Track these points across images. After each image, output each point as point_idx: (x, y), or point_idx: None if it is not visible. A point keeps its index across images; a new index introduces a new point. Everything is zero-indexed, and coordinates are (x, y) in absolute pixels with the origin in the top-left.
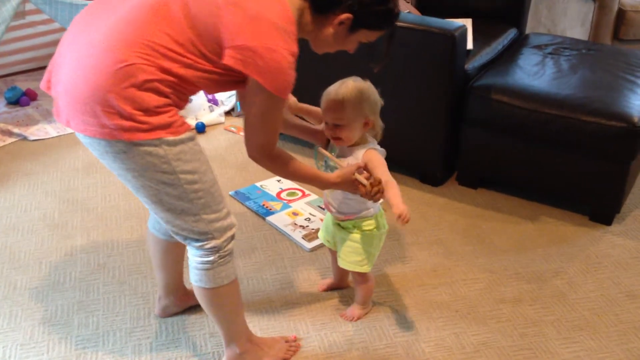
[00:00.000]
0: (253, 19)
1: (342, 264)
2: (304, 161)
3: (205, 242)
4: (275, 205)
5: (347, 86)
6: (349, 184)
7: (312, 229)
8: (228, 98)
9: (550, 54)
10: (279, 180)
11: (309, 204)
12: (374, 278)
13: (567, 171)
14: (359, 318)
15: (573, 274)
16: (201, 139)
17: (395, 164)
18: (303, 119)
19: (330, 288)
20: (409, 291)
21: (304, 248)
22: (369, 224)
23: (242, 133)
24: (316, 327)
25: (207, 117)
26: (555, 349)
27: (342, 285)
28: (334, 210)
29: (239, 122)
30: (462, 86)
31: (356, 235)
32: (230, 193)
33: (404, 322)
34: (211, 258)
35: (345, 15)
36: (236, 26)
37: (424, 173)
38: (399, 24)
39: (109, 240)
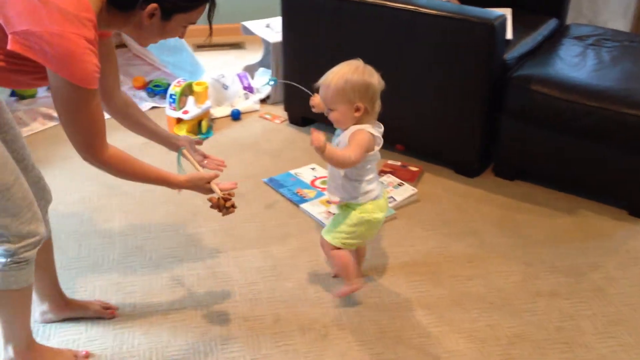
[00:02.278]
0: (38, 4)
1: (324, 231)
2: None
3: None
4: (309, 192)
5: (337, 71)
6: (198, 188)
7: None
8: (263, 86)
9: (591, 45)
10: (313, 168)
11: None
12: (348, 257)
13: (606, 164)
14: (345, 294)
15: (611, 268)
16: (236, 126)
17: (430, 155)
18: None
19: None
20: (443, 282)
21: None
22: (356, 206)
23: (277, 120)
24: (348, 315)
25: (242, 105)
26: (591, 344)
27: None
28: (330, 194)
29: (274, 109)
30: (500, 76)
31: (345, 212)
32: (264, 180)
33: (438, 313)
34: (3, 260)
35: (151, 7)
36: (19, 11)
37: (459, 164)
38: (438, 13)
39: (146, 223)
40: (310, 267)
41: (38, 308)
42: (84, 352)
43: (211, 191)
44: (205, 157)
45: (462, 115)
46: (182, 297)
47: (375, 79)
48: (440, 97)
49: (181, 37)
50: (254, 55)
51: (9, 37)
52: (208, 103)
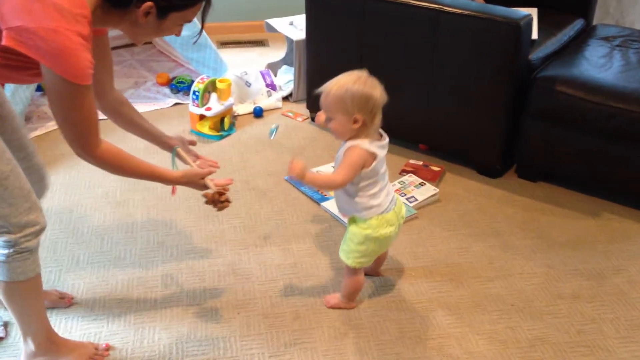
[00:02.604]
0: (33, 1)
1: (340, 249)
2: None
3: (0, 235)
4: (330, 191)
5: (338, 80)
6: (193, 184)
7: None
8: (286, 84)
9: (618, 46)
10: (334, 167)
11: None
12: (362, 283)
13: (631, 166)
14: (333, 306)
15: (634, 272)
16: (258, 124)
17: (452, 154)
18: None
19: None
20: (463, 282)
21: None
22: (361, 222)
23: (299, 118)
24: (368, 314)
25: (265, 102)
26: (613, 348)
27: (373, 273)
28: (337, 207)
29: (296, 107)
30: (525, 77)
31: (350, 227)
32: (285, 178)
33: (458, 314)
34: (6, 251)
35: (147, 5)
36: (13, 7)
37: (482, 164)
38: (463, 12)
39: (168, 219)
40: (330, 266)
41: None
42: (104, 345)
43: (206, 187)
44: (198, 157)
45: (485, 115)
46: (203, 293)
47: (377, 91)
48: (463, 96)
49: (177, 34)
50: (277, 53)
51: (3, 33)
52: (231, 100)
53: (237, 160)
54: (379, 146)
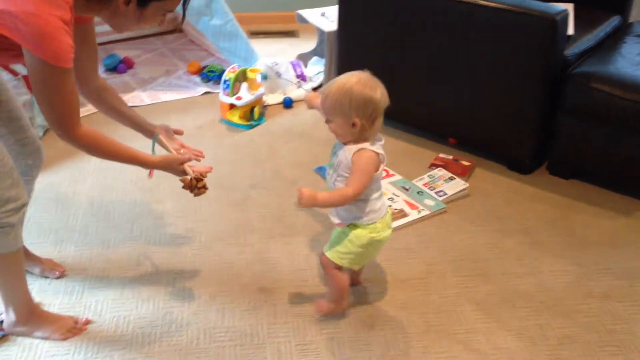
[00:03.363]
0: None
1: (326, 248)
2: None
3: None
4: None
5: (338, 81)
6: (172, 169)
7: (395, 209)
8: (316, 75)
9: None
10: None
11: (392, 184)
12: (347, 282)
13: None
14: (325, 311)
15: None
16: (288, 114)
17: (482, 149)
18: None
19: None
20: (491, 278)
21: None
22: (364, 227)
23: None
24: (396, 307)
25: (294, 93)
26: None
27: (353, 283)
28: (331, 215)
29: None
30: (560, 73)
31: (352, 231)
32: (314, 169)
33: (486, 309)
34: None
35: None
36: None
37: (513, 160)
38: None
39: (197, 206)
40: None
41: None
42: (84, 319)
43: (184, 173)
44: (182, 146)
45: (518, 110)
46: (231, 281)
47: (377, 93)
48: (496, 91)
49: (160, 24)
50: (308, 44)
51: None
52: (261, 90)
53: (266, 150)
54: (380, 146)
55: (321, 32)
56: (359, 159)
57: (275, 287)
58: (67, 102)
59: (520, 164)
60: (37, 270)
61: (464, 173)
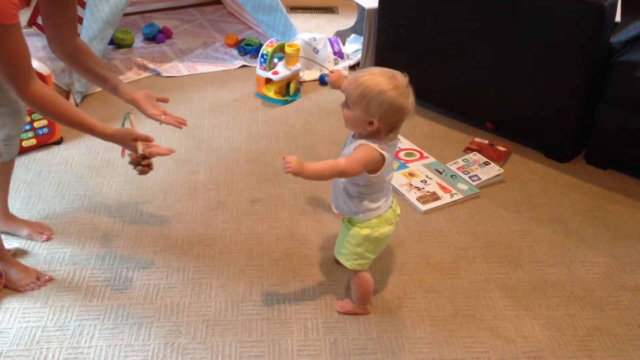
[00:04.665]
0: None
1: (335, 251)
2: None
3: None
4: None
5: (376, 75)
6: (124, 144)
7: (428, 192)
8: (353, 52)
9: None
10: (397, 140)
11: (426, 166)
12: (371, 283)
13: None
14: (346, 311)
15: None
16: (323, 91)
17: (520, 135)
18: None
19: None
20: (523, 266)
21: (417, 209)
22: (359, 223)
23: None
24: (424, 290)
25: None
26: None
27: None
28: (332, 205)
29: None
30: (604, 60)
31: (347, 229)
32: None
33: (515, 297)
34: None
35: None
36: None
37: (550, 148)
38: None
39: (230, 180)
40: None
41: None
42: (47, 277)
43: (136, 149)
44: (165, 113)
45: (559, 97)
46: (260, 255)
47: (409, 103)
48: (538, 77)
49: None
50: (346, 21)
51: None
52: (298, 66)
53: (300, 126)
54: (389, 145)
55: (361, 9)
56: (361, 148)
57: (304, 263)
58: (14, 59)
59: (558, 152)
60: (24, 233)
61: (499, 158)
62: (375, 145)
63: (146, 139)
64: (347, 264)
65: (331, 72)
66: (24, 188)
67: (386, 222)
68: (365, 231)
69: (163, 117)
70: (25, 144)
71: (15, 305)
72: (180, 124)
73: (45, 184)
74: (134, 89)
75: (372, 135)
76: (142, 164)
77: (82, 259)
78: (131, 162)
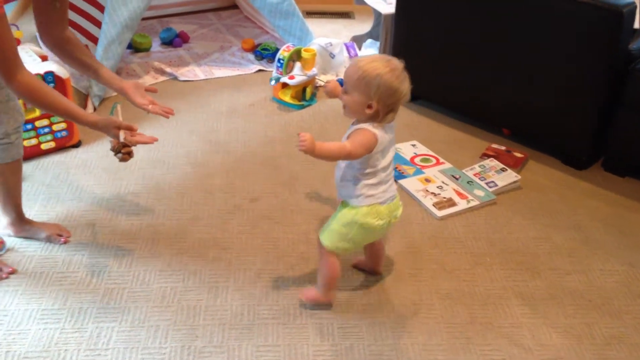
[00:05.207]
0: None
1: (321, 230)
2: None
3: None
4: (408, 169)
5: (374, 60)
6: (107, 131)
7: (444, 198)
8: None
9: None
10: (413, 145)
11: (442, 172)
12: (338, 270)
13: None
14: (311, 299)
15: None
16: None
17: (537, 142)
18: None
19: (360, 267)
20: (540, 273)
21: (433, 215)
22: (353, 207)
23: None
24: (440, 296)
25: None
26: None
27: (371, 271)
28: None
29: None
30: (623, 67)
31: (340, 209)
32: None
33: (532, 304)
34: None
35: None
36: None
37: (567, 154)
38: None
39: (246, 184)
40: (404, 243)
41: (1, 220)
42: (10, 269)
43: (118, 137)
44: (152, 103)
45: (577, 104)
46: (276, 259)
47: (404, 86)
48: (556, 83)
49: None
50: (362, 26)
51: None
52: (314, 70)
53: (316, 130)
54: (387, 127)
55: (378, 15)
56: (360, 131)
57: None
58: (1, 49)
59: (575, 159)
60: (42, 236)
61: (516, 165)
62: (370, 126)
63: (129, 128)
64: (327, 242)
65: (327, 82)
66: (43, 190)
67: (377, 214)
68: (355, 215)
69: (150, 106)
70: (44, 146)
71: (34, 307)
72: (167, 113)
73: (63, 187)
74: (123, 79)
75: (371, 119)
76: (123, 151)
77: (100, 261)
78: (112, 149)
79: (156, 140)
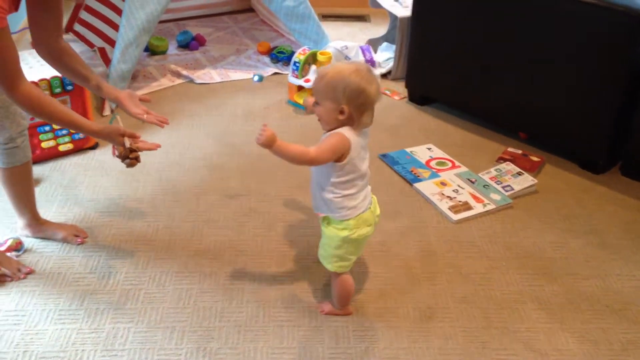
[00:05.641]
0: None
1: (318, 253)
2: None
3: None
4: (424, 172)
5: (336, 66)
6: (111, 139)
7: (459, 201)
8: (385, 61)
9: None
10: (429, 148)
11: (458, 175)
12: (351, 285)
13: None
14: (327, 313)
15: None
16: None
17: (553, 146)
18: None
19: None
20: (557, 278)
21: (449, 219)
22: (336, 224)
23: (396, 97)
24: (456, 300)
25: None
26: None
27: None
28: (313, 206)
29: (394, 85)
30: None
31: (326, 230)
32: (379, 155)
33: (549, 309)
34: None
35: None
36: None
37: (584, 159)
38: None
39: (262, 186)
40: (419, 247)
41: (18, 221)
42: (27, 269)
43: (123, 144)
44: (147, 112)
45: (594, 108)
46: (292, 262)
47: (372, 87)
48: (573, 87)
49: None
50: (378, 29)
51: None
52: None
53: None
54: (363, 132)
55: (394, 18)
56: (331, 136)
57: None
58: (3, 61)
59: (593, 163)
60: (59, 236)
61: (532, 169)
62: (343, 130)
63: (132, 135)
64: (328, 266)
65: (305, 98)
66: (60, 192)
67: (365, 223)
68: (344, 233)
69: (145, 116)
70: (61, 148)
71: (51, 307)
72: (162, 122)
73: (81, 188)
74: (117, 89)
75: (347, 125)
76: (130, 157)
77: (117, 263)
78: (119, 156)
79: (159, 146)
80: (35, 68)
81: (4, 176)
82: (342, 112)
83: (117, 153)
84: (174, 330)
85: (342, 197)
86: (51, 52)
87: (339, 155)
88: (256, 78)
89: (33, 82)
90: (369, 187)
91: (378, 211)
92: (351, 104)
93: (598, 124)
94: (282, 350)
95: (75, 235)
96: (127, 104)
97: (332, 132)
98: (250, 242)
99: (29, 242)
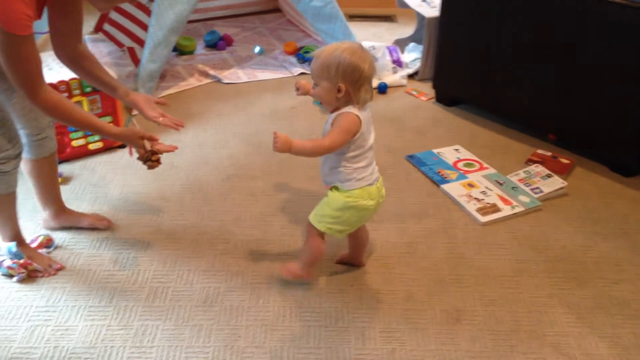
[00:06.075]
0: None
1: (311, 214)
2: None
3: None
4: (451, 174)
5: (330, 47)
6: (132, 142)
7: (488, 203)
8: (412, 61)
9: None
10: (456, 150)
11: (486, 177)
12: (322, 251)
13: None
14: (292, 274)
15: None
16: (382, 100)
17: (583, 148)
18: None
19: (344, 262)
20: (587, 282)
21: (477, 221)
22: (343, 191)
23: (423, 98)
24: (484, 303)
25: (389, 79)
26: None
27: (355, 262)
28: (322, 180)
29: (421, 86)
30: None
31: (330, 194)
32: (405, 156)
33: (579, 313)
34: None
35: None
36: None
37: (615, 161)
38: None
39: (289, 186)
40: (446, 249)
41: (44, 213)
42: (58, 265)
43: (143, 146)
44: (163, 115)
45: (624, 110)
46: (318, 262)
47: (366, 64)
48: (605, 89)
49: (131, 3)
50: (405, 29)
51: None
52: None
53: None
54: (365, 107)
55: (421, 18)
56: (340, 117)
57: (362, 272)
58: (26, 69)
59: (623, 165)
60: (85, 223)
61: (562, 171)
62: (350, 109)
63: (151, 138)
64: (319, 225)
65: (297, 81)
66: (90, 190)
67: (369, 195)
68: (348, 199)
69: (161, 119)
70: (91, 147)
71: (81, 304)
72: (177, 125)
73: (110, 186)
74: (134, 92)
75: (347, 103)
76: (152, 159)
77: (145, 261)
78: (140, 158)
79: (176, 148)
80: (54, 70)
81: (33, 168)
82: (339, 91)
83: (135, 155)
84: (202, 328)
85: (352, 170)
86: (70, 57)
87: (354, 134)
88: (257, 49)
89: (51, 84)
90: (376, 167)
91: (383, 192)
92: (347, 81)
93: (628, 127)
94: (308, 350)
95: (100, 219)
96: (143, 107)
97: (337, 113)
98: (277, 241)
99: (60, 239)
